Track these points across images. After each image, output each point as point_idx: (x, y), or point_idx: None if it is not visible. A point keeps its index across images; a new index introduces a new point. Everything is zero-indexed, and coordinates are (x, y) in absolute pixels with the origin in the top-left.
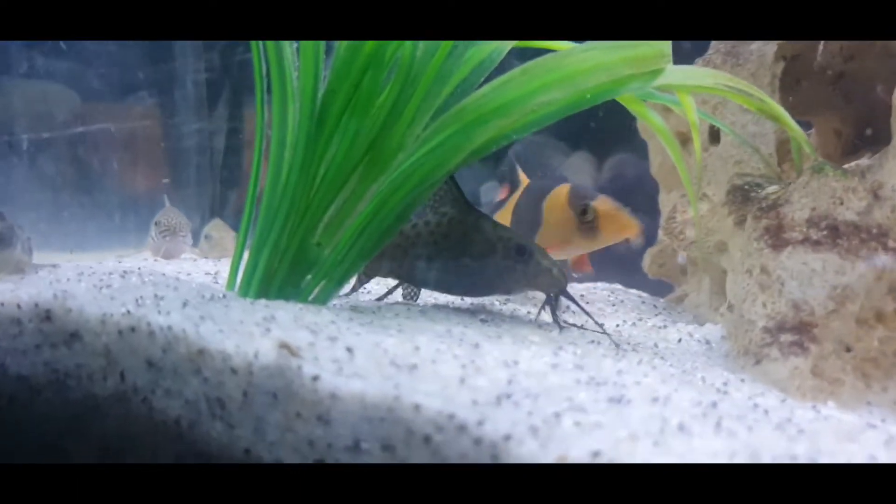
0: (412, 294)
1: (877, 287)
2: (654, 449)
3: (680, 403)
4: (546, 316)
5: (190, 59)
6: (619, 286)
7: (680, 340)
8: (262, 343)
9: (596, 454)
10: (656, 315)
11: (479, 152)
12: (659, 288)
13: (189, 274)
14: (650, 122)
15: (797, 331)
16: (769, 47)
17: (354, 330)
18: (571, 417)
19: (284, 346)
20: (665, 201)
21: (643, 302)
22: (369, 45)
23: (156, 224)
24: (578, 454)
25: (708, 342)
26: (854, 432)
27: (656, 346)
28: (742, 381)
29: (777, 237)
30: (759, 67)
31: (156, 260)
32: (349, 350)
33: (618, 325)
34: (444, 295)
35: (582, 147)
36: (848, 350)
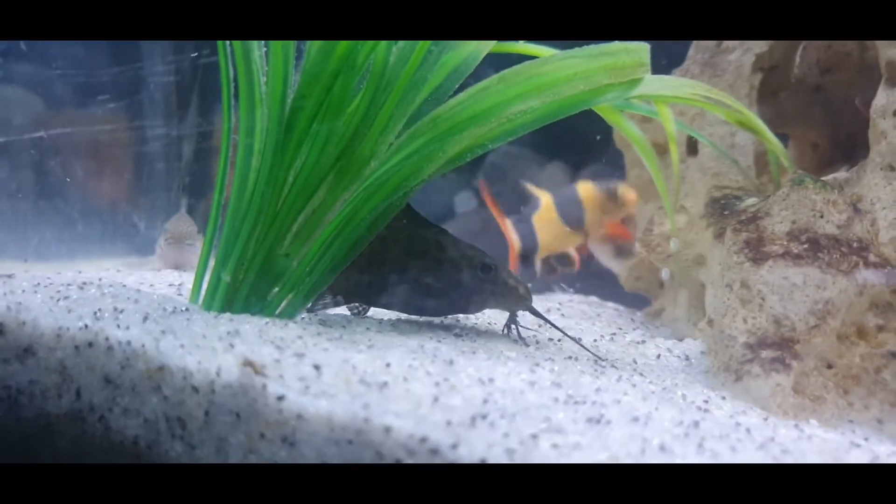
0: (360, 310)
1: (858, 302)
2: None
3: (661, 423)
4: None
5: (157, 61)
6: (595, 298)
7: (659, 356)
8: (224, 359)
9: None
10: (634, 329)
11: (455, 161)
12: (635, 301)
13: (152, 285)
14: (627, 133)
15: (778, 347)
16: (747, 57)
17: (322, 345)
18: (549, 439)
19: (248, 363)
20: (642, 213)
21: (619, 315)
22: (341, 48)
23: (164, 231)
24: None
25: (688, 358)
26: (839, 452)
27: (635, 361)
28: (723, 398)
29: (757, 251)
30: (737, 78)
31: (158, 270)
32: (316, 367)
33: (595, 340)
34: None
35: (557, 157)
36: (829, 367)
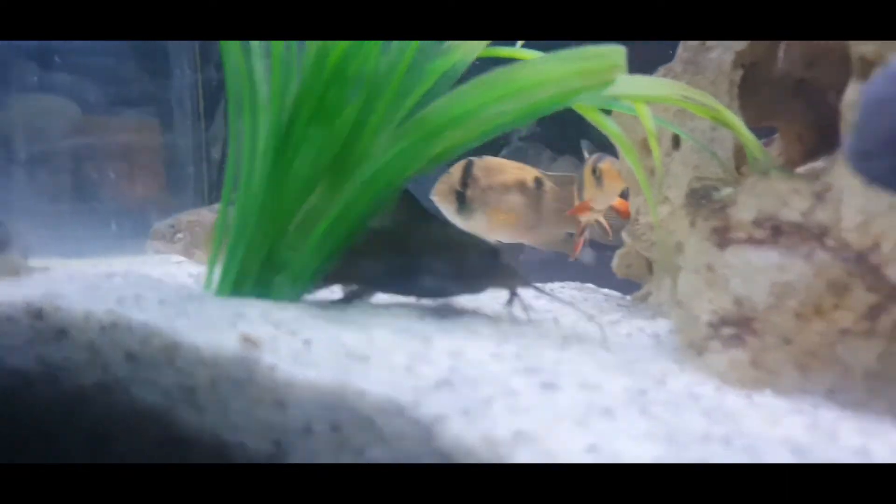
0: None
1: (816, 283)
2: (575, 428)
3: (612, 390)
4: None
5: (187, 70)
6: (590, 285)
7: (629, 335)
8: (228, 336)
9: (518, 433)
10: (616, 312)
11: (438, 160)
12: (632, 289)
13: (174, 276)
14: (606, 129)
15: (738, 325)
16: (727, 55)
17: (316, 325)
18: (503, 401)
19: (247, 338)
20: (632, 204)
21: (606, 300)
22: (332, 60)
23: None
24: (502, 433)
25: (657, 336)
26: (779, 415)
27: (605, 339)
28: (682, 371)
29: (723, 237)
30: (718, 75)
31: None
32: (307, 342)
33: (574, 321)
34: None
35: (567, 152)
36: (788, 342)
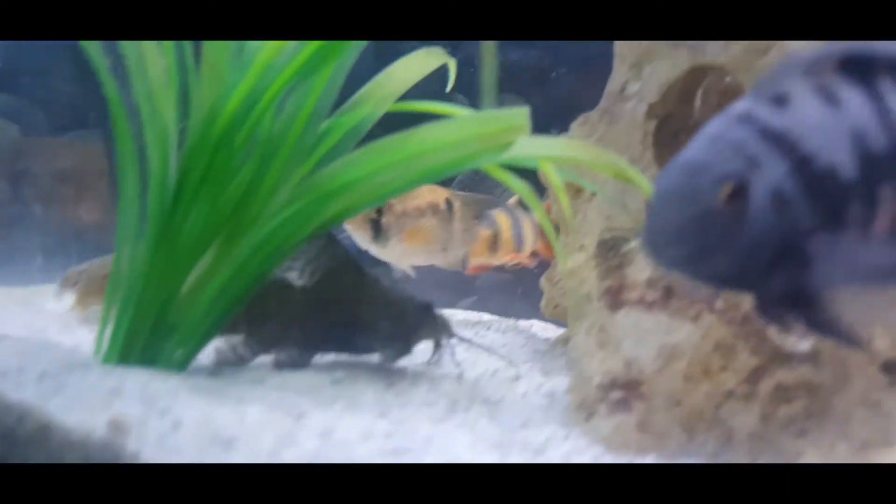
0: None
1: (703, 345)
2: None
3: None
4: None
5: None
6: (523, 323)
7: (525, 394)
8: (99, 418)
9: None
10: (526, 363)
11: (329, 224)
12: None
13: (74, 331)
14: (513, 186)
15: (626, 388)
16: (641, 107)
17: (192, 401)
18: None
19: (115, 422)
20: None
21: (523, 346)
22: (219, 127)
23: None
24: None
25: (553, 396)
26: None
27: (498, 401)
28: (567, 438)
29: (616, 298)
30: (632, 125)
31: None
32: (176, 424)
33: (478, 377)
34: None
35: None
36: (677, 404)
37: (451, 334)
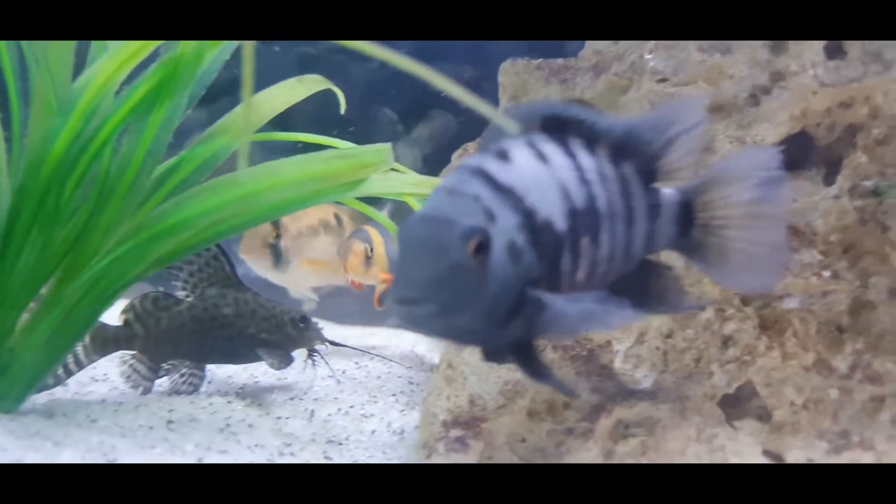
0: (192, 379)
1: None
2: None
3: None
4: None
5: None
6: (415, 350)
7: (374, 431)
8: None
9: None
10: (391, 395)
11: (162, 262)
12: None
13: None
14: (377, 218)
15: (467, 426)
16: None
17: (10, 444)
18: None
19: None
20: None
21: (400, 376)
22: (48, 169)
23: None
24: None
25: (403, 433)
26: None
27: (345, 440)
28: None
29: None
30: None
31: None
32: None
33: (330, 415)
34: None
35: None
36: (522, 441)
37: (323, 341)
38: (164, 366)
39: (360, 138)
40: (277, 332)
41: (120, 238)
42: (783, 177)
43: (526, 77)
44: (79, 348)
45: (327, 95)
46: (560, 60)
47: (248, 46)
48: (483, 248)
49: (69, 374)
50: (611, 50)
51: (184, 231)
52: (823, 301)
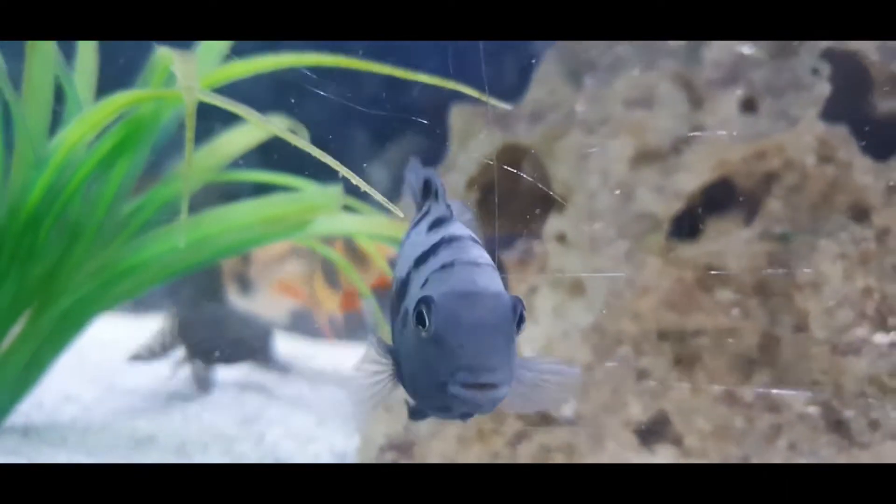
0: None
1: None
2: None
3: None
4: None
5: None
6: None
7: (316, 455)
8: None
9: None
10: (342, 419)
11: (121, 299)
12: None
13: None
14: (327, 255)
15: (400, 449)
16: (461, 177)
17: None
18: None
19: None
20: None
21: (340, 406)
22: (25, 213)
23: None
24: None
25: (343, 457)
26: None
27: (289, 460)
28: None
29: None
30: (455, 196)
31: None
32: None
33: (279, 438)
34: None
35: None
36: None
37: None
38: None
39: (336, 157)
40: (251, 339)
41: (85, 277)
42: None
43: (473, 121)
44: None
45: (306, 111)
46: (503, 107)
47: (191, 106)
48: (523, 320)
49: None
50: (548, 100)
51: (144, 271)
52: (733, 337)
